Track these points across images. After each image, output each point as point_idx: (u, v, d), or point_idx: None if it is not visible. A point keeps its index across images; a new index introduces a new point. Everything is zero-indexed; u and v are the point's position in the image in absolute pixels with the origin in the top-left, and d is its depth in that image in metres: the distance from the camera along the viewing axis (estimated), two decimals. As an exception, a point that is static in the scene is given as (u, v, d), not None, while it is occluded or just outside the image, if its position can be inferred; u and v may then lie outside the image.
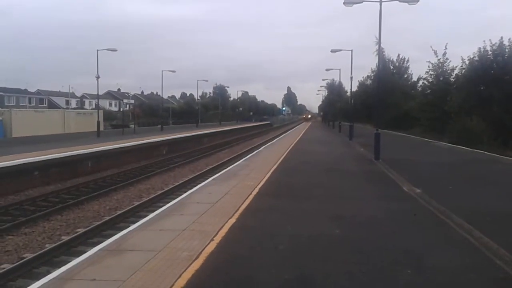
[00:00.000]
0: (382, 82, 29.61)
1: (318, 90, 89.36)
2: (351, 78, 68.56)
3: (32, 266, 8.47)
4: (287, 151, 22.78)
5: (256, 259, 6.03)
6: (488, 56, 29.51)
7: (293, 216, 8.67)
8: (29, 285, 5.38)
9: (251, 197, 10.47)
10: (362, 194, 11.07)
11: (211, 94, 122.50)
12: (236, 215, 8.61)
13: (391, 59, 58.41)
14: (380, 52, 23.91)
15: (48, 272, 6.45)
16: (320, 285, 5.14)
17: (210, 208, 9.31)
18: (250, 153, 24.32)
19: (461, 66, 33.00)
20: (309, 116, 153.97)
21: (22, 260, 8.58)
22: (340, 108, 67.24)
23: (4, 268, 8.25)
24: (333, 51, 35.65)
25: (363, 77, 72.05)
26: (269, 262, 5.91)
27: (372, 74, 60.80)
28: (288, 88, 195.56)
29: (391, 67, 57.81)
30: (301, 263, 5.91)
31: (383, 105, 35.89)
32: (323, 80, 69.62)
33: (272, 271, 5.56)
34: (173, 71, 55.53)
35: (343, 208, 9.33)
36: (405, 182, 12.66)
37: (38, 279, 5.71)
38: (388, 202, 10.11)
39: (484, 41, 30.04)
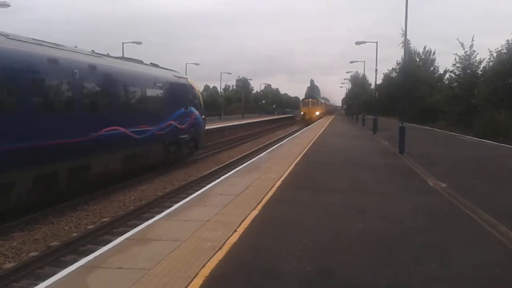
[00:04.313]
0: (407, 74, 29.19)
1: (342, 83, 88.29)
2: (376, 70, 67.05)
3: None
4: (310, 144, 22.71)
5: (278, 251, 6.07)
6: (517, 48, 28.76)
7: (316, 209, 8.67)
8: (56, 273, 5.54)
9: (274, 189, 10.51)
10: (386, 188, 10.97)
11: (234, 87, 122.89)
12: (259, 207, 8.67)
13: (417, 51, 57.43)
14: (406, 44, 23.53)
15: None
16: (343, 278, 5.15)
17: (233, 199, 9.39)
18: (272, 146, 24.33)
19: (489, 58, 32.31)
20: (317, 112, 70.87)
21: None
22: (364, 101, 66.46)
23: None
24: (357, 43, 35.29)
25: (388, 69, 71.08)
26: (291, 254, 5.95)
27: (397, 67, 59.92)
28: (311, 81, 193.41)
29: (417, 60, 56.83)
30: (323, 255, 5.94)
31: (409, 98, 35.38)
32: (347, 72, 68.96)
33: (295, 263, 5.60)
34: (197, 64, 56.16)
35: (367, 202, 9.28)
36: (430, 176, 12.50)
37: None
38: (413, 196, 10.00)
39: (512, 33, 29.31)
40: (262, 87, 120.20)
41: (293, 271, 5.34)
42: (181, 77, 20.61)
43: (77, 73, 12.39)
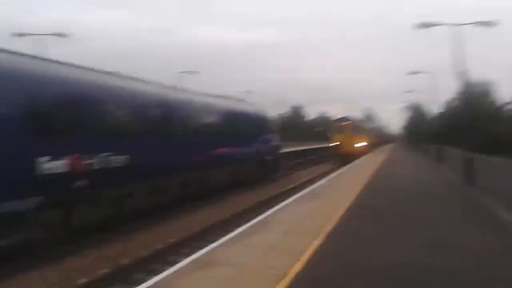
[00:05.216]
0: (469, 105, 28.05)
1: (400, 112, 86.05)
2: (435, 100, 65.69)
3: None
4: (371, 174, 22.25)
5: (342, 283, 6.00)
6: None
7: (379, 241, 8.49)
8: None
9: (336, 218, 10.39)
10: (453, 222, 10.52)
11: (288, 114, 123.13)
12: (322, 236, 8.60)
13: (476, 81, 55.66)
14: (464, 76, 22.56)
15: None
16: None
17: (295, 227, 9.37)
18: (330, 174, 24.07)
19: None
20: (360, 142, 42.31)
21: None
22: (426, 131, 64.38)
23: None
24: (412, 73, 35.25)
25: (448, 99, 68.86)
26: (355, 287, 5.85)
27: (457, 97, 58.07)
28: (367, 108, 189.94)
29: (477, 90, 55.06)
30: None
31: (473, 128, 33.91)
32: (403, 102, 67.62)
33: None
34: (250, 92, 56.50)
35: (434, 236, 8.93)
36: (503, 211, 11.79)
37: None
38: (483, 232, 9.51)
39: None
40: (317, 115, 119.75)
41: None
42: (262, 109, 26.35)
43: (211, 112, 18.69)
